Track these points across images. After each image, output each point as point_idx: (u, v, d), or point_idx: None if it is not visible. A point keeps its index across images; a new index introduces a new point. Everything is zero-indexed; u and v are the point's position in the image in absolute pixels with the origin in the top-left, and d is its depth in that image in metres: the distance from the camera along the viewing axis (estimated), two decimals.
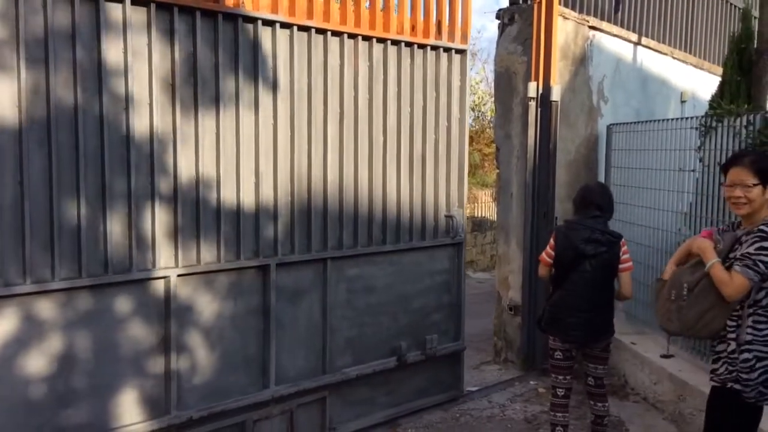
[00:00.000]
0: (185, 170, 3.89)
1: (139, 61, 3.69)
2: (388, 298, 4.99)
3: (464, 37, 5.31)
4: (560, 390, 4.31)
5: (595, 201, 4.20)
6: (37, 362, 3.43)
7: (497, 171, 6.75)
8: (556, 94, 6.16)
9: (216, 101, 3.99)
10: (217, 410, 4.02)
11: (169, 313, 3.84)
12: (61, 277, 3.47)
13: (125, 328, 3.72)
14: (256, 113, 4.17)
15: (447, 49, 5.21)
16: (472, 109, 20.23)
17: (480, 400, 5.69)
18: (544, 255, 4.32)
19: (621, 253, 4.18)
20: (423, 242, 5.18)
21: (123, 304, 3.71)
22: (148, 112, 3.74)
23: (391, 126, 4.90)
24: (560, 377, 4.30)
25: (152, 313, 3.81)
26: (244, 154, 4.12)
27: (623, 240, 4.23)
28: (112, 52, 3.60)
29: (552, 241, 4.27)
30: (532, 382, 6.10)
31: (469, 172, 16.32)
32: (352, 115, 4.68)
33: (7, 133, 3.31)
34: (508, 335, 6.59)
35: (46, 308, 3.45)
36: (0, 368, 3.33)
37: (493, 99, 19.05)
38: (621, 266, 4.18)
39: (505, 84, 6.53)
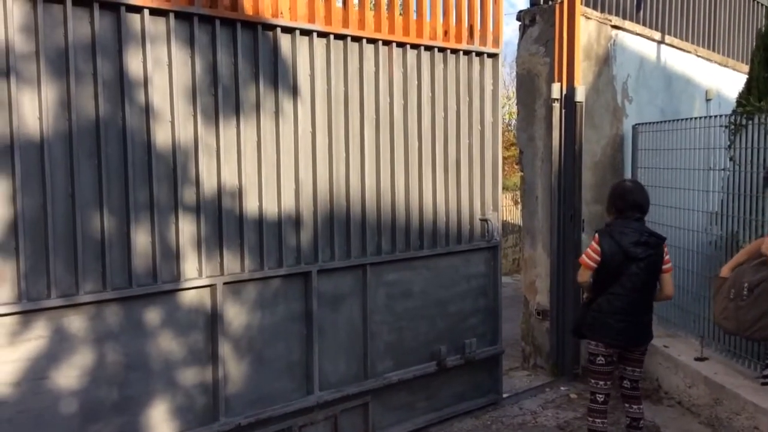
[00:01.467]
0: (228, 179, 3.95)
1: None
2: (426, 302, 5.01)
3: (496, 41, 5.33)
4: (600, 396, 4.25)
5: (638, 201, 4.18)
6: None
7: (521, 174, 6.71)
8: (580, 95, 6.14)
9: (257, 111, 4.04)
10: (264, 416, 4.06)
11: (215, 322, 3.89)
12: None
13: (175, 337, 3.77)
14: (295, 122, 4.22)
15: (479, 54, 5.23)
16: None
17: (511, 407, 5.64)
18: (587, 259, 4.17)
19: (663, 254, 4.18)
20: (459, 246, 5.19)
21: (170, 313, 3.76)
22: (192, 124, 3.80)
23: (425, 131, 4.93)
24: (601, 383, 4.23)
25: (199, 322, 3.87)
26: (284, 162, 4.17)
27: (665, 242, 4.22)
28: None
29: (596, 245, 4.14)
30: (563, 388, 6.05)
31: None
32: (388, 121, 4.71)
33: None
34: (536, 340, 6.56)
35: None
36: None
37: (511, 102, 19.18)
38: (664, 267, 4.18)
39: (528, 86, 6.51)
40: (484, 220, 5.35)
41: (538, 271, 6.46)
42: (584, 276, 4.21)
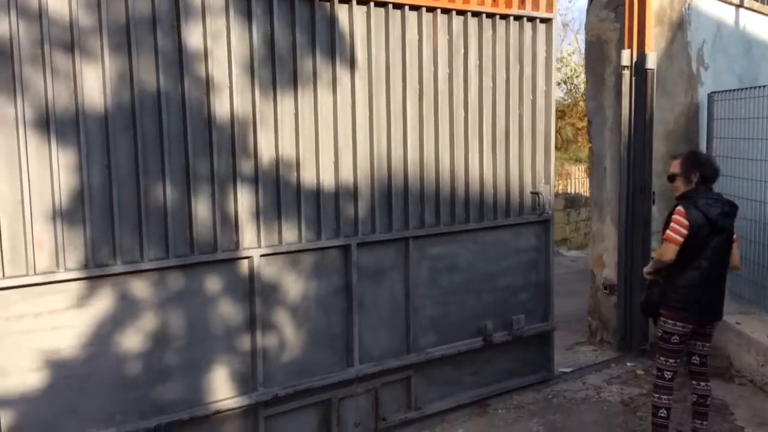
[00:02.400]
0: (266, 151, 3.93)
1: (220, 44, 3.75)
2: (472, 276, 4.90)
3: (549, 5, 5.09)
4: (668, 373, 4.13)
5: (718, 171, 4.09)
6: (131, 339, 3.57)
7: (590, 145, 6.52)
8: (651, 62, 5.85)
9: (294, 82, 4.00)
10: (302, 388, 4.08)
11: (253, 292, 3.91)
12: (149, 258, 3.59)
13: (213, 306, 3.81)
14: (334, 93, 4.15)
15: (531, 19, 5.02)
16: (564, 82, 19.58)
17: (574, 381, 5.54)
18: (675, 235, 3.93)
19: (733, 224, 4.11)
20: (508, 220, 5.04)
21: (210, 283, 3.80)
22: (228, 95, 3.79)
23: (472, 101, 4.78)
24: (671, 360, 4.11)
25: (238, 293, 3.89)
26: (323, 134, 4.12)
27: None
28: (192, 36, 3.65)
29: (682, 218, 3.92)
30: (629, 364, 5.88)
31: (561, 147, 15.86)
32: (432, 91, 4.59)
33: (95, 119, 3.41)
34: (603, 315, 6.37)
35: (137, 288, 3.58)
36: (98, 346, 3.48)
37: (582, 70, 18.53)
38: (734, 237, 4.12)
39: (597, 53, 6.28)
40: (535, 193, 5.17)
41: (606, 245, 6.29)
42: (670, 253, 3.97)
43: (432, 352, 4.67)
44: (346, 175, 4.25)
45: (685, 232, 3.92)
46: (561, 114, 17.21)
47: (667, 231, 4.00)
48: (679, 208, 3.99)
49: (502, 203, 5.01)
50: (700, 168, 4.06)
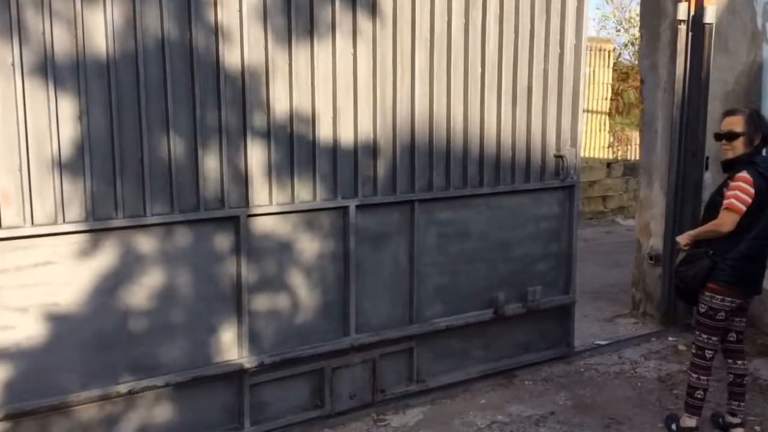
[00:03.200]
0: (256, 105, 3.67)
1: None
2: (486, 244, 4.57)
3: None
4: (710, 352, 3.85)
5: None
6: (112, 297, 3.43)
7: (641, 106, 6.14)
8: (710, 16, 5.37)
9: (288, 31, 3.70)
10: (290, 356, 3.87)
11: (239, 253, 3.69)
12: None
13: (196, 268, 3.61)
14: (333, 42, 3.84)
15: None
16: (632, 44, 18.70)
17: (609, 354, 5.24)
18: (739, 204, 3.59)
19: None
20: (527, 185, 4.68)
21: (196, 242, 3.60)
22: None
23: (491, 54, 4.39)
24: (714, 338, 3.84)
25: (224, 254, 3.68)
26: (319, 87, 3.83)
27: None
28: None
29: (748, 187, 3.59)
30: (671, 338, 5.54)
31: (623, 111, 15.09)
32: (445, 43, 4.22)
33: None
34: (647, 287, 6.04)
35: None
36: (89, 302, 3.35)
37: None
38: None
39: (652, 6, 5.84)
40: (559, 156, 4.78)
41: (654, 213, 5.93)
42: (730, 224, 3.64)
43: (437, 323, 4.40)
44: (345, 131, 3.95)
45: (749, 200, 3.59)
46: (625, 76, 16.48)
47: (731, 199, 3.61)
48: (744, 174, 3.62)
49: (521, 166, 4.64)
50: (765, 128, 3.71)
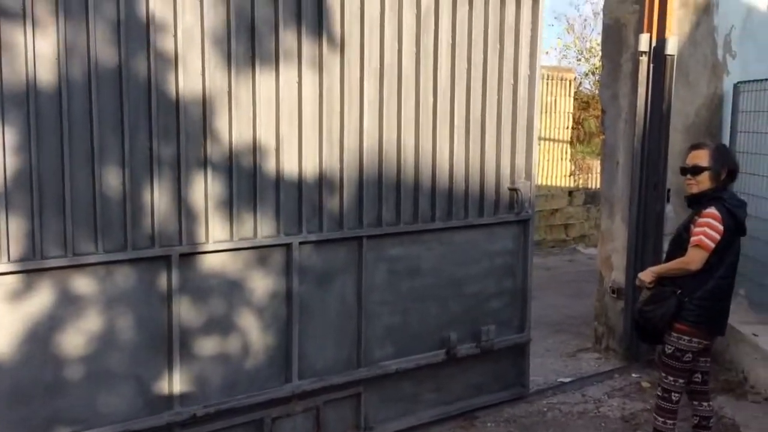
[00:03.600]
0: (193, 135, 3.41)
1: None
2: (437, 281, 4.37)
3: None
4: (676, 395, 3.70)
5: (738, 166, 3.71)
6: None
7: (602, 136, 6.13)
8: (671, 48, 5.34)
9: (228, 57, 3.47)
10: (226, 407, 3.57)
11: (171, 297, 3.39)
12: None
13: (123, 311, 3.31)
14: (276, 70, 3.61)
15: None
16: (592, 73, 18.97)
17: (573, 392, 5.11)
18: (709, 241, 3.46)
19: None
20: (480, 219, 4.50)
21: (125, 284, 3.30)
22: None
23: (443, 85, 4.23)
24: (681, 380, 3.69)
25: (155, 296, 3.38)
26: (261, 116, 3.59)
27: None
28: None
29: (718, 224, 3.47)
30: (634, 375, 5.43)
31: (584, 140, 15.18)
32: (395, 72, 4.04)
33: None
34: (609, 320, 5.94)
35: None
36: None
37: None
38: None
39: (614, 37, 5.82)
40: (513, 190, 4.63)
41: (615, 245, 5.86)
42: (699, 262, 3.51)
43: (386, 366, 4.16)
44: (289, 164, 3.72)
45: (718, 237, 3.48)
46: (586, 105, 16.67)
47: (700, 236, 3.49)
48: (713, 211, 3.50)
49: (474, 200, 4.47)
50: (731, 164, 3.63)
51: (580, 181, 13.26)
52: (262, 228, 3.66)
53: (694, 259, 3.51)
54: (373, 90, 3.96)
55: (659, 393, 3.75)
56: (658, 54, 5.39)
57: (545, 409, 4.80)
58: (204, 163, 3.45)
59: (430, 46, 4.15)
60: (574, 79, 13.48)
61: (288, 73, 3.66)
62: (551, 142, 11.85)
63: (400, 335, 4.24)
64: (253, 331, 3.69)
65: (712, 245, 3.47)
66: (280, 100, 3.64)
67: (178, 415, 3.43)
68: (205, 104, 3.42)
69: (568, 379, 5.33)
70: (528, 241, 4.74)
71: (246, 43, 3.52)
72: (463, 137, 4.37)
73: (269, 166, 3.65)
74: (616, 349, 5.85)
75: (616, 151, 5.81)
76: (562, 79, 12.05)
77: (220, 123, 3.49)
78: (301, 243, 3.76)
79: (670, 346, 3.63)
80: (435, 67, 4.18)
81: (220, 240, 3.54)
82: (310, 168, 3.78)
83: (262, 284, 3.70)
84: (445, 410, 4.50)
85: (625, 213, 5.72)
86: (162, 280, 3.39)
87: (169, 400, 3.43)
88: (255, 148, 3.59)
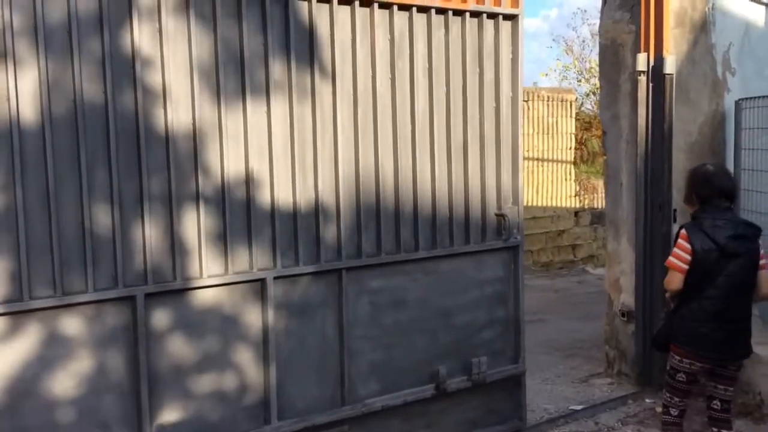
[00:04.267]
0: (156, 169, 3.31)
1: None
2: (423, 313, 4.20)
3: (515, 0, 4.42)
4: (674, 410, 3.79)
5: (726, 187, 3.64)
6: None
7: (604, 158, 6.06)
8: (670, 66, 5.27)
9: (191, 88, 3.38)
10: None
11: (136, 339, 3.25)
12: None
13: (82, 357, 3.17)
14: (243, 101, 3.51)
15: (492, 15, 4.34)
16: (593, 93, 18.92)
17: (585, 421, 4.96)
18: (677, 261, 3.57)
19: (759, 248, 3.62)
20: (466, 247, 4.35)
21: (78, 329, 3.16)
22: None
23: (421, 110, 4.11)
24: (677, 399, 3.76)
25: (119, 340, 3.24)
26: (229, 148, 3.48)
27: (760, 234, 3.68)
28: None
29: (685, 243, 3.56)
30: (648, 400, 5.25)
31: (588, 160, 15.12)
32: (370, 99, 3.93)
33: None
34: (620, 344, 5.78)
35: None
36: None
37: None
38: (761, 263, 3.60)
39: (611, 58, 5.77)
40: (500, 216, 4.48)
41: (623, 267, 5.74)
42: (675, 282, 3.61)
43: (371, 403, 3.98)
44: (261, 196, 3.60)
45: (687, 257, 3.54)
46: (588, 125, 16.61)
47: (669, 258, 3.64)
48: (683, 231, 3.62)
49: (459, 227, 4.32)
50: (698, 188, 3.67)
51: (586, 202, 13.22)
52: (234, 263, 3.53)
53: (669, 280, 3.64)
54: (347, 117, 3.85)
55: (661, 408, 3.92)
56: (657, 73, 5.33)
57: None
58: (170, 199, 3.33)
59: (406, 70, 4.05)
60: (575, 99, 13.49)
61: (256, 102, 3.56)
62: (555, 163, 11.82)
63: (385, 371, 4.06)
64: (227, 373, 3.54)
65: (681, 265, 3.55)
66: (249, 130, 3.54)
67: None
68: (168, 136, 3.32)
69: (579, 407, 5.17)
70: (518, 268, 4.58)
71: (211, 76, 3.43)
72: (445, 163, 4.24)
73: (239, 199, 3.53)
74: (628, 374, 5.69)
75: (620, 173, 5.72)
76: (562, 100, 12.04)
77: (185, 155, 3.38)
78: (275, 278, 3.62)
79: (668, 364, 3.76)
80: (412, 92, 4.07)
81: (188, 277, 3.40)
82: (283, 200, 3.66)
83: (235, 323, 3.56)
84: None
85: (631, 234, 5.61)
86: (127, 322, 3.25)
87: None
88: (223, 181, 3.48)
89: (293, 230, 3.70)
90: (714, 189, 3.61)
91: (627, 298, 5.67)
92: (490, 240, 4.46)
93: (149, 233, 3.28)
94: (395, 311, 4.10)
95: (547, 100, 11.63)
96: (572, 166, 12.32)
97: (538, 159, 11.55)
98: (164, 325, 3.35)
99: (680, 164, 5.39)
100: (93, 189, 3.15)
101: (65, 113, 3.08)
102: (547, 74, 20.52)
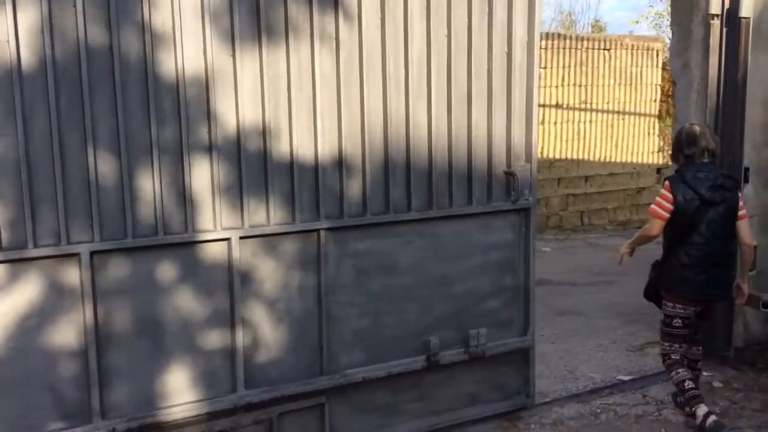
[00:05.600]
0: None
1: None
2: (417, 279, 3.86)
3: None
4: (675, 355, 4.12)
5: (710, 147, 3.94)
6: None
7: (674, 110, 5.73)
8: (746, 9, 4.77)
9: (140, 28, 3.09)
10: (151, 421, 3.21)
11: (86, 297, 3.07)
12: None
13: (36, 317, 3.01)
14: (204, 41, 3.20)
15: None
16: None
17: (633, 393, 4.63)
18: (658, 209, 3.94)
19: (739, 199, 3.98)
20: (468, 208, 3.95)
21: (36, 285, 3.00)
22: None
23: (417, 55, 3.70)
24: (676, 345, 4.11)
25: (66, 298, 3.06)
26: (189, 87, 3.18)
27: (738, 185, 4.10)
28: None
29: (667, 192, 3.91)
30: (705, 373, 4.79)
31: (670, 114, 14.25)
32: (356, 42, 3.55)
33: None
34: None
35: None
36: None
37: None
38: (740, 213, 3.96)
39: (683, 0, 5.28)
40: (509, 174, 4.04)
41: None
42: (655, 229, 3.99)
43: (351, 374, 3.69)
44: (227, 144, 3.30)
45: (669, 206, 3.90)
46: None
47: (652, 206, 4.00)
48: (666, 183, 3.98)
49: (460, 187, 3.92)
50: (683, 147, 4.00)
51: (661, 158, 12.42)
52: (199, 221, 3.27)
53: (650, 227, 4.02)
54: (329, 63, 3.49)
55: (660, 356, 4.22)
56: (732, 16, 4.83)
57: (599, 411, 4.35)
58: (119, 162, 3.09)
59: (399, 9, 3.63)
60: (663, 48, 12.58)
61: (219, 41, 3.24)
62: (637, 116, 11.17)
63: (372, 340, 3.77)
64: (190, 337, 3.32)
65: (663, 213, 3.90)
66: (209, 71, 3.23)
67: (97, 429, 3.10)
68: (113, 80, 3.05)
69: (628, 377, 4.85)
70: (530, 232, 4.14)
71: (167, 11, 3.13)
72: (445, 114, 3.83)
73: (201, 149, 3.25)
74: None
75: None
76: (648, 49, 11.30)
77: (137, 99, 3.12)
78: (242, 237, 3.35)
79: (662, 313, 4.11)
80: (406, 34, 3.66)
81: (144, 234, 3.17)
82: (252, 150, 3.36)
83: (200, 284, 3.32)
84: (435, 421, 4.01)
85: None
86: (75, 278, 3.06)
87: (90, 414, 3.11)
88: (180, 125, 3.19)
89: (263, 185, 3.40)
90: (699, 148, 3.91)
91: None
92: (497, 201, 4.04)
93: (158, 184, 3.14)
94: (384, 276, 3.77)
95: (631, 49, 10.99)
96: (656, 119, 11.59)
97: (618, 112, 10.91)
98: (117, 285, 3.14)
99: (756, 118, 4.98)
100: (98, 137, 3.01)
101: (67, 57, 2.93)
102: (638, 22, 19.18)
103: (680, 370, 4.05)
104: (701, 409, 3.97)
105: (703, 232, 3.86)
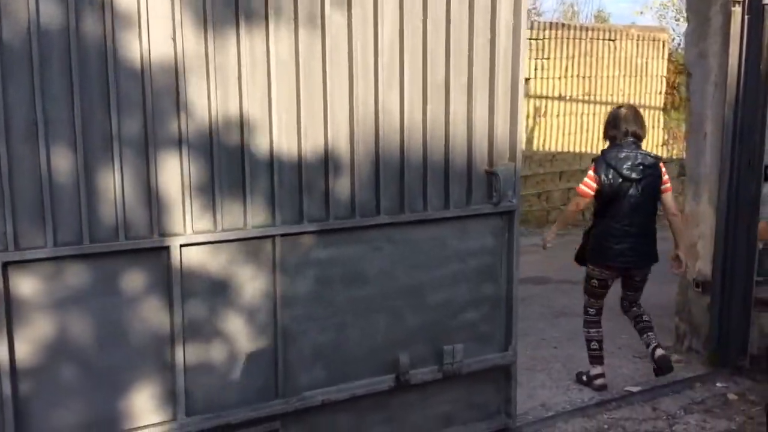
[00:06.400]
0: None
1: None
2: (387, 290, 3.48)
3: None
4: (592, 310, 4.57)
5: (632, 130, 4.35)
6: None
7: (688, 103, 5.38)
8: None
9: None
10: None
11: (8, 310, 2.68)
12: None
13: None
14: (143, 28, 2.79)
15: None
16: None
17: (642, 406, 4.42)
18: (584, 188, 4.37)
19: (662, 175, 4.38)
20: (445, 212, 3.56)
21: None
22: None
23: (387, 41, 3.30)
24: (593, 300, 4.56)
25: None
26: (126, 85, 2.78)
27: (661, 162, 4.40)
28: None
29: (591, 172, 4.34)
30: (719, 384, 4.67)
31: (678, 107, 13.93)
32: (318, 25, 3.13)
33: None
34: (693, 318, 5.16)
35: None
36: None
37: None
38: (663, 187, 4.39)
39: None
40: (491, 173, 3.65)
41: (701, 231, 5.10)
42: (581, 204, 4.48)
43: (309, 397, 3.31)
44: (168, 145, 2.90)
45: (593, 184, 4.32)
46: (682, 68, 15.16)
47: (579, 185, 4.44)
48: (592, 164, 4.41)
49: (436, 188, 3.53)
50: (608, 129, 4.48)
51: (674, 151, 12.11)
52: (134, 227, 2.88)
53: (571, 203, 4.70)
54: (286, 50, 3.08)
55: (583, 310, 4.62)
56: (755, 3, 4.59)
57: (605, 426, 4.16)
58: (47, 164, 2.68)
59: None
60: (670, 39, 12.22)
61: (164, 26, 2.82)
62: (642, 109, 10.70)
63: (334, 357, 3.39)
64: (122, 356, 2.93)
65: (587, 190, 4.35)
66: (150, 63, 2.82)
67: None
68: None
69: (636, 388, 4.61)
70: (513, 238, 3.76)
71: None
72: (420, 107, 3.43)
73: (137, 149, 2.85)
74: (699, 351, 5.09)
75: (704, 121, 4.97)
76: (654, 40, 11.04)
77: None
78: (182, 245, 2.96)
79: (585, 273, 4.58)
80: (375, 19, 3.25)
81: (67, 242, 2.77)
82: (199, 148, 2.96)
83: (135, 300, 2.93)
84: None
85: (713, 194, 4.95)
86: None
87: None
88: (110, 125, 2.79)
89: (210, 189, 3.00)
90: (620, 131, 4.34)
91: (703, 266, 5.04)
92: (477, 203, 3.65)
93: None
94: (349, 287, 3.39)
95: (637, 39, 10.72)
96: (661, 112, 11.34)
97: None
98: (37, 301, 2.75)
99: None
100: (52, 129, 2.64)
101: (16, 37, 2.55)
102: (642, 12, 18.80)
103: (593, 330, 4.53)
104: (595, 369, 4.53)
105: (624, 206, 4.27)
